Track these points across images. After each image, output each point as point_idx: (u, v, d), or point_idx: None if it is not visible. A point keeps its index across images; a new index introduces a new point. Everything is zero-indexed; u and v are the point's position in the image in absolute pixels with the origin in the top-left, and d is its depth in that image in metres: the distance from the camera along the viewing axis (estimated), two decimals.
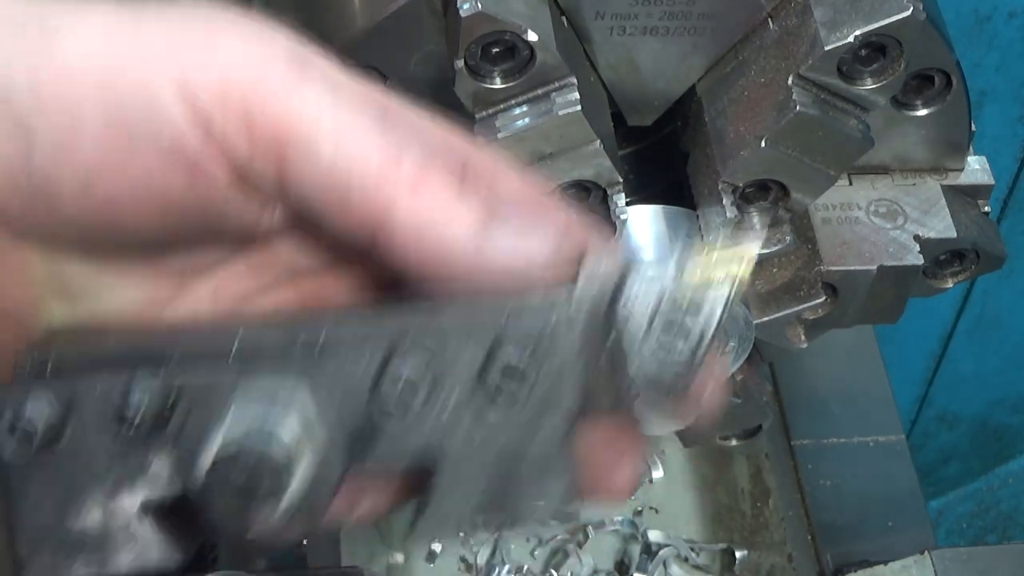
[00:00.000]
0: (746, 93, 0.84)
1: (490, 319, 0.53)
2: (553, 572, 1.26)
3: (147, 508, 0.55)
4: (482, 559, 1.26)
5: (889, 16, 0.78)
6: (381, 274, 0.57)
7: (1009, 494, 2.20)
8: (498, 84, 0.79)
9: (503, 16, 0.76)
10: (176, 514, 0.55)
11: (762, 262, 0.91)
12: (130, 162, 0.52)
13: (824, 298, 0.93)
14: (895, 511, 1.24)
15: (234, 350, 0.54)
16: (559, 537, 1.27)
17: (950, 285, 0.98)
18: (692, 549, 1.26)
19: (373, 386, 0.53)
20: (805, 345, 0.98)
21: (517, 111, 0.80)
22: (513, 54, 0.78)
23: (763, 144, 0.82)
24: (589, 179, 0.84)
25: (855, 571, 1.15)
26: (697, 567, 1.26)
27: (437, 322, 0.53)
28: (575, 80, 0.79)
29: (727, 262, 0.53)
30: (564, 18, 0.82)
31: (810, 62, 0.80)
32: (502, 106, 0.80)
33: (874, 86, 0.81)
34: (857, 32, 0.78)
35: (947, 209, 0.94)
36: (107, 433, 0.53)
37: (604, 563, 1.27)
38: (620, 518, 1.29)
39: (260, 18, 0.54)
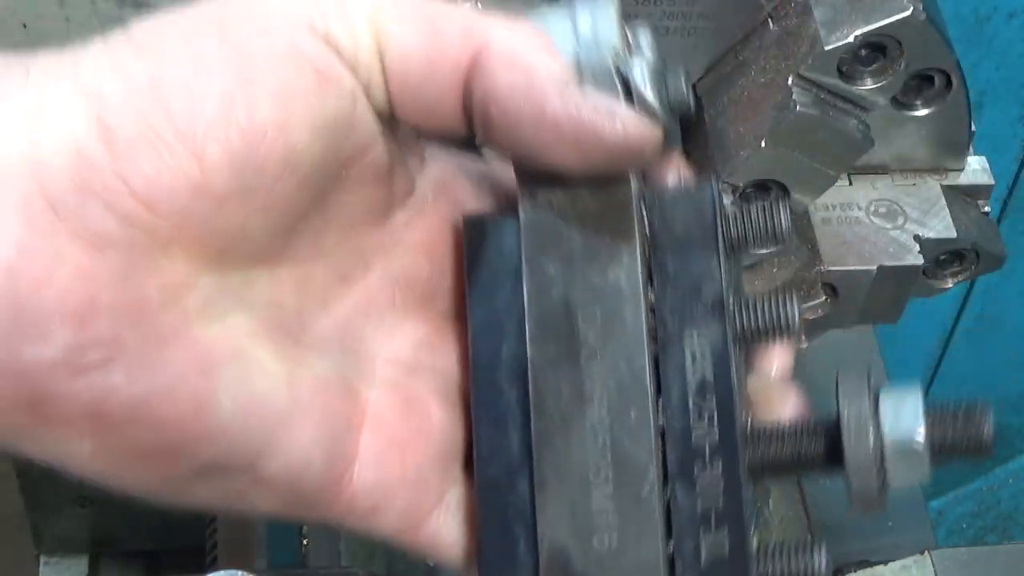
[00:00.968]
0: (746, 93, 0.84)
1: None
2: None
3: None
4: None
5: (889, 16, 0.78)
6: None
7: (1009, 494, 2.20)
8: None
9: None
10: None
11: (762, 262, 0.91)
12: (258, 83, 0.53)
13: (824, 298, 0.93)
14: (895, 511, 1.24)
15: None
16: None
17: (950, 285, 0.97)
18: None
19: None
20: (805, 345, 0.98)
21: None
22: None
23: (763, 144, 0.82)
24: None
25: (855, 571, 1.15)
26: None
27: None
28: None
29: None
30: None
31: (810, 62, 0.80)
32: None
33: (874, 86, 0.81)
34: (857, 32, 0.78)
35: (947, 209, 0.94)
36: None
37: None
38: None
39: None
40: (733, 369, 0.58)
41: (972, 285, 1.96)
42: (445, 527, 0.61)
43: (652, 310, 0.59)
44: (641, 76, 0.57)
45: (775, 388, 0.65)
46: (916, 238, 0.92)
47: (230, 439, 0.55)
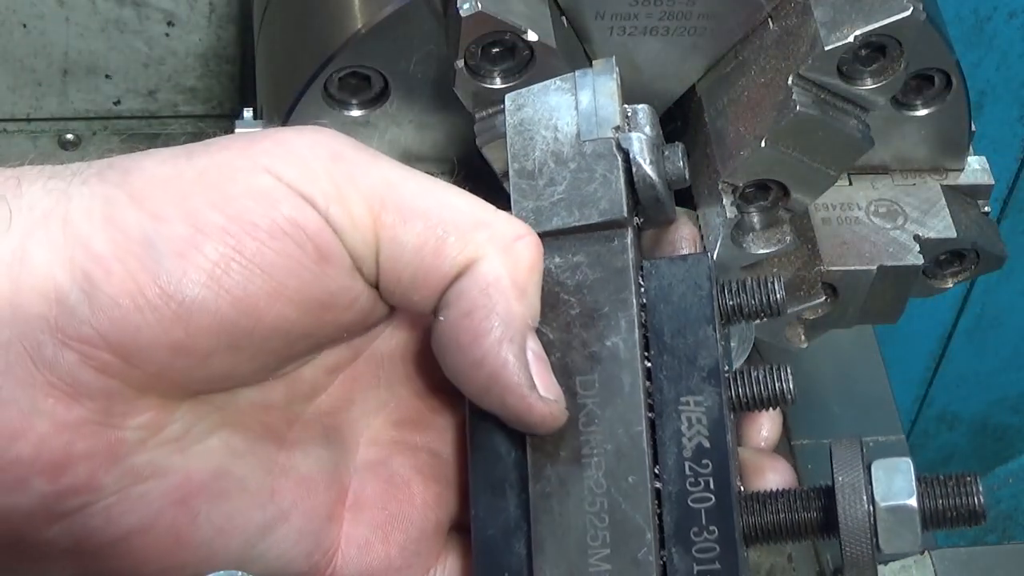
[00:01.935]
0: (746, 93, 0.84)
1: None
2: None
3: None
4: None
5: (889, 16, 0.78)
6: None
7: (1009, 494, 2.20)
8: (498, 84, 0.79)
9: (503, 16, 0.76)
10: None
11: (762, 262, 0.91)
12: (257, 253, 0.52)
13: (824, 298, 0.93)
14: None
15: None
16: None
17: (950, 285, 0.97)
18: None
19: None
20: (805, 345, 0.98)
21: None
22: (513, 54, 0.78)
23: (763, 144, 0.82)
24: None
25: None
26: None
27: None
28: None
29: None
30: (564, 18, 0.82)
31: (810, 62, 0.80)
32: (502, 106, 0.80)
33: (874, 86, 0.81)
34: (857, 32, 0.78)
35: (947, 209, 0.94)
36: None
37: None
38: None
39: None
40: (729, 436, 0.59)
41: (972, 285, 1.96)
42: None
43: (649, 377, 0.59)
44: (640, 150, 0.59)
45: (765, 456, 0.66)
46: (916, 238, 0.92)
47: (211, 556, 0.55)
